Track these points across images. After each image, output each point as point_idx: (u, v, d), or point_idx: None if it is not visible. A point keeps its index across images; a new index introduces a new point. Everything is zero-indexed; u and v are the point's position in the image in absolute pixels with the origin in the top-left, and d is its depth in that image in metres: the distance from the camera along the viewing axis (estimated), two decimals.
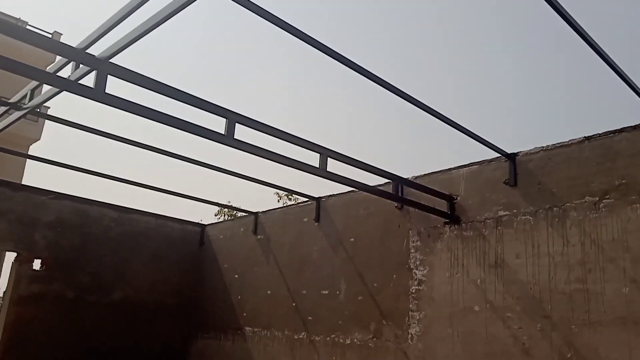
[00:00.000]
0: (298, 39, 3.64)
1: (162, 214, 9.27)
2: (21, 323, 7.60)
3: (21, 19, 19.05)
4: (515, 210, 5.30)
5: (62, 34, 19.53)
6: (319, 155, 4.89)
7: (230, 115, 4.10)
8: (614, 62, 4.14)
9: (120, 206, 8.79)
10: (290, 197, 15.25)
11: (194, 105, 3.97)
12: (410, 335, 5.85)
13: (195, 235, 9.60)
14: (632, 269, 4.34)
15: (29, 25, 19.11)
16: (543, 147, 5.29)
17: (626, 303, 4.31)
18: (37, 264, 7.86)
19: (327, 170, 4.88)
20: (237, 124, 4.13)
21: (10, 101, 4.72)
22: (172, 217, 9.40)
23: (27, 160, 16.67)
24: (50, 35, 19.13)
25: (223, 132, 4.10)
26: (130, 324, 8.49)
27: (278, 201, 16.13)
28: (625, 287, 4.34)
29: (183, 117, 4.02)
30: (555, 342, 4.65)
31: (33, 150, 18.73)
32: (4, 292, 8.45)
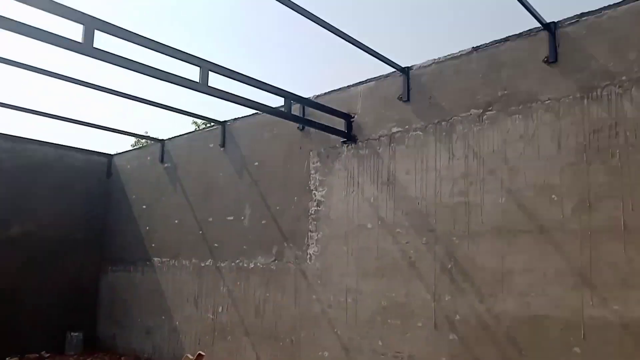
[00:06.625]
0: None
1: (63, 144, 8.69)
2: None
3: None
4: (407, 126, 5.21)
5: None
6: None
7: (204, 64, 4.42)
8: None
9: (12, 135, 8.13)
10: (207, 124, 14.70)
11: (171, 55, 4.24)
12: (309, 255, 5.84)
13: (102, 166, 9.12)
14: (508, 179, 4.39)
15: None
16: (435, 59, 5.14)
17: (502, 213, 4.38)
18: None
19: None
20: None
21: None
22: (74, 147, 8.85)
23: None
24: None
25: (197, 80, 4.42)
26: (33, 260, 8.10)
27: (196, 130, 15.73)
28: (502, 198, 4.40)
29: (157, 65, 4.20)
30: (438, 254, 4.73)
31: None
32: None
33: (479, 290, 4.43)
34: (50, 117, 7.02)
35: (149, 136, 8.33)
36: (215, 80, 4.70)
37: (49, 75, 5.32)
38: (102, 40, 3.81)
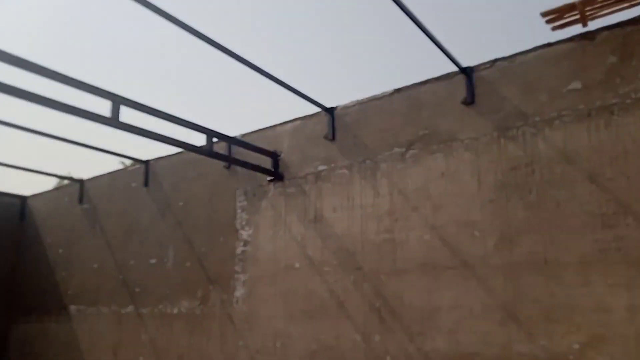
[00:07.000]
0: None
1: None
2: None
3: None
4: (333, 165, 5.20)
5: None
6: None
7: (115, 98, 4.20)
8: (417, 19, 3.99)
9: None
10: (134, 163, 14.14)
11: (79, 88, 4.02)
12: (235, 299, 5.61)
13: (14, 209, 8.48)
14: (432, 216, 4.43)
15: None
16: (359, 100, 5.21)
17: (426, 249, 4.40)
18: None
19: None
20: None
21: None
22: None
23: None
24: None
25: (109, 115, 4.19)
26: None
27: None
28: (426, 234, 4.43)
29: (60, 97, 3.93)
30: (365, 293, 4.66)
31: None
32: None
33: (409, 329, 4.38)
34: None
35: (67, 176, 7.86)
36: (139, 117, 4.52)
37: None
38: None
